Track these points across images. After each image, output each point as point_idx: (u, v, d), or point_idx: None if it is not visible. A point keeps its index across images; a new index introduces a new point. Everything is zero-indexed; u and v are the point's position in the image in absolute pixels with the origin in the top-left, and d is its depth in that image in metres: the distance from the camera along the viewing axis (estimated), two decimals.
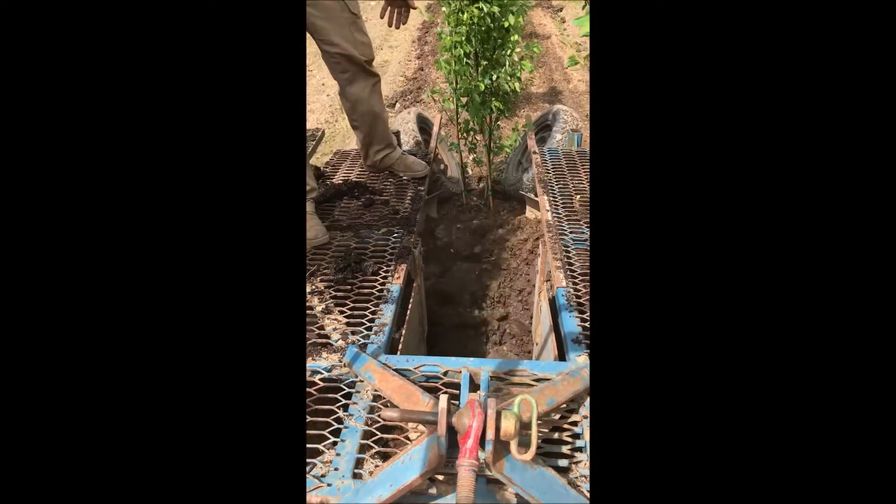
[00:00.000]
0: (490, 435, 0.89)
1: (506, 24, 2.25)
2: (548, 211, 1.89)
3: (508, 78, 2.35)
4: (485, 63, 2.38)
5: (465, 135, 2.65)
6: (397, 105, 4.27)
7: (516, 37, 2.31)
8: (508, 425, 0.88)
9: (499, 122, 2.61)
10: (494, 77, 2.34)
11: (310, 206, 1.76)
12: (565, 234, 1.75)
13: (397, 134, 2.62)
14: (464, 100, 2.49)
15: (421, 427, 1.11)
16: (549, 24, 5.65)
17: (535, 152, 2.34)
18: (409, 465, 0.96)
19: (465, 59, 2.37)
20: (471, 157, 2.84)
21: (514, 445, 0.90)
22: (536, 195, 2.12)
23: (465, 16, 2.20)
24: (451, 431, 0.93)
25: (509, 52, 2.33)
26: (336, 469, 1.01)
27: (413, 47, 5.73)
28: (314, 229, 1.72)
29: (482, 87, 2.34)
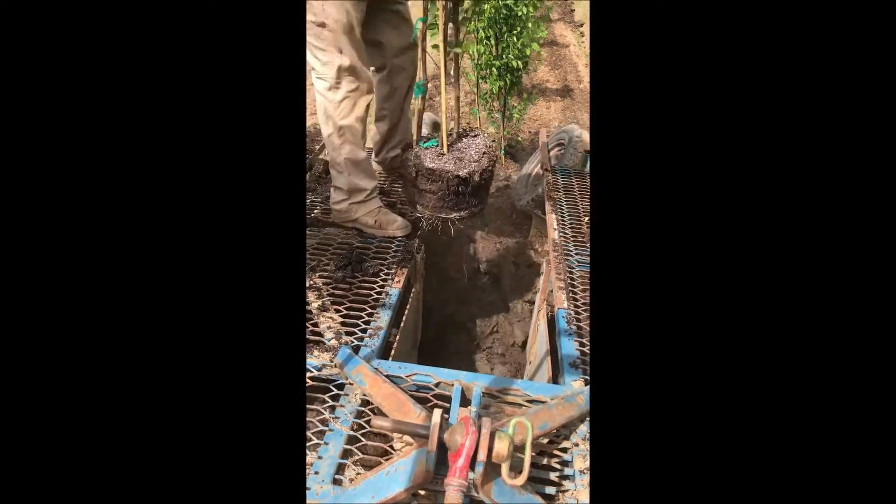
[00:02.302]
0: (482, 456, 0.85)
1: (519, 14, 2.79)
2: (555, 230, 1.86)
3: (513, 59, 2.97)
4: (503, 45, 2.95)
5: (484, 101, 3.29)
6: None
7: (530, 24, 2.87)
8: (502, 447, 0.85)
9: (511, 92, 3.20)
10: (504, 57, 2.96)
11: (379, 201, 1.81)
12: (570, 255, 1.72)
13: None
14: (483, 73, 3.14)
15: (407, 438, 1.07)
16: (569, 36, 6.06)
17: (546, 170, 2.32)
18: (394, 477, 0.92)
19: (485, 41, 2.97)
20: (489, 123, 3.42)
21: (505, 468, 0.87)
22: (544, 213, 2.09)
23: (487, 6, 2.77)
24: (442, 448, 0.90)
25: (517, 37, 2.92)
26: (316, 473, 0.98)
27: None
28: (396, 220, 1.78)
29: (498, 64, 3.00)
